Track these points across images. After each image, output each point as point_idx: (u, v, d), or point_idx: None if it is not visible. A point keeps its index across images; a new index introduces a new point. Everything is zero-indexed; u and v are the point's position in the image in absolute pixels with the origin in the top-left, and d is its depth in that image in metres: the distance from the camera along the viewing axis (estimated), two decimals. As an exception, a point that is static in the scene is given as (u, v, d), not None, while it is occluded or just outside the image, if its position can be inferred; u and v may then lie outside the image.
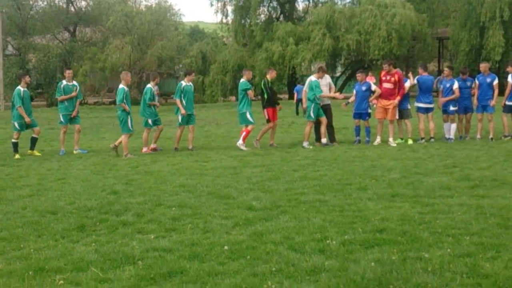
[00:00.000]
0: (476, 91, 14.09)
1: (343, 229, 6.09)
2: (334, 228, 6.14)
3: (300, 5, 49.18)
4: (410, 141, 13.81)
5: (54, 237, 6.19)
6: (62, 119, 14.26)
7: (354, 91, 14.71)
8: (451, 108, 14.04)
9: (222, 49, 42.90)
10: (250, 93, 13.87)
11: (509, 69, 14.01)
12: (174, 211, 7.16)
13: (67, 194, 8.52)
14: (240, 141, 13.61)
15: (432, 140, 13.92)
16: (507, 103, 14.00)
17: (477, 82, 14.14)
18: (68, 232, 6.36)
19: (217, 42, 45.52)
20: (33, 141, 13.93)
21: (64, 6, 48.73)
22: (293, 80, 41.27)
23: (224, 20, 45.68)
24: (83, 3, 49.49)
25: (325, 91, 14.14)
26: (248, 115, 13.74)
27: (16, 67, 42.56)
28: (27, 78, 13.99)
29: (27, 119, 13.55)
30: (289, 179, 9.23)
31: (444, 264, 4.92)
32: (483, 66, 14.48)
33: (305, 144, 13.74)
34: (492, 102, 14.02)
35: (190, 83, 14.14)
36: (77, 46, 47.05)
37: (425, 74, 14.44)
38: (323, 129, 13.89)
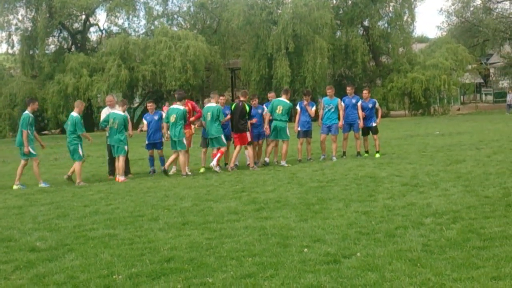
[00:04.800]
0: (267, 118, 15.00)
1: (131, 262, 6.00)
2: (122, 262, 6.02)
3: (93, 36, 48.10)
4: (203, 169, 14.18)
5: None
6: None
7: (145, 122, 14.70)
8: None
9: (9, 81, 40.23)
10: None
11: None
12: None
13: None
14: (214, 162, 13.71)
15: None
16: (299, 129, 15.13)
17: (266, 109, 15.07)
18: None
19: (3, 74, 42.62)
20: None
21: None
22: (89, 113, 40.06)
23: (10, 51, 43.18)
24: None
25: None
26: (223, 138, 13.90)
27: None
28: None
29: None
30: (79, 215, 8.87)
31: (227, 287, 5.09)
32: (271, 95, 15.58)
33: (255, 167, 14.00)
34: (294, 129, 15.19)
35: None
36: None
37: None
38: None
